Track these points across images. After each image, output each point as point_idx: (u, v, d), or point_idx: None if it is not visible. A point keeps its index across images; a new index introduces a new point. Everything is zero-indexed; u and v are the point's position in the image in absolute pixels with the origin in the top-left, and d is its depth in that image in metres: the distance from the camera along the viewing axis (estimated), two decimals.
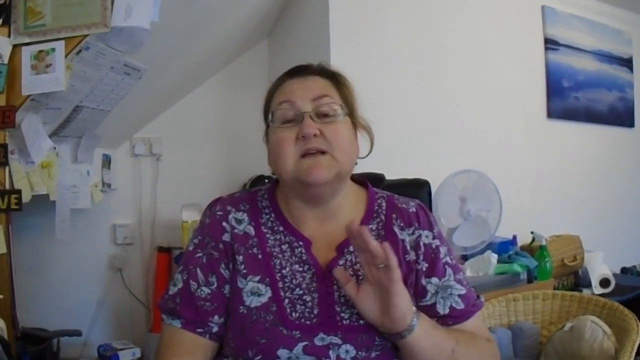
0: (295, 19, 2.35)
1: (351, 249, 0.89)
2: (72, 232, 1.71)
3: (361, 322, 0.83)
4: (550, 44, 2.78)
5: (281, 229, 0.91)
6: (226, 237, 0.90)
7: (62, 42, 1.32)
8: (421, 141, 2.30)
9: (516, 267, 2.00)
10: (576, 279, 2.46)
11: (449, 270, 0.91)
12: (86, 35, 1.33)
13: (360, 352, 0.81)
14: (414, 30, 2.31)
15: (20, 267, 1.53)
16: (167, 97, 2.32)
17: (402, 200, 0.97)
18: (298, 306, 0.84)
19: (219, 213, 0.92)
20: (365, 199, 0.96)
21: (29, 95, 1.36)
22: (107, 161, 2.17)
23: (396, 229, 0.92)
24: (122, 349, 1.97)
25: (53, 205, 1.63)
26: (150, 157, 2.40)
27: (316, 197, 0.89)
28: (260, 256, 0.88)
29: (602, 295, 2.12)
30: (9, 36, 1.36)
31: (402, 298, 0.79)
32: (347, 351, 0.81)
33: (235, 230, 0.90)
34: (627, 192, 3.13)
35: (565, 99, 2.84)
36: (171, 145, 2.41)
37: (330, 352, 0.81)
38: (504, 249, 2.13)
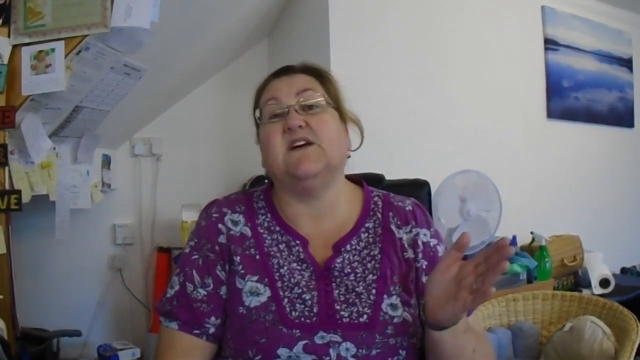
0: (295, 19, 2.35)
1: (348, 247, 0.89)
2: (72, 233, 1.71)
3: (361, 319, 0.83)
4: (550, 44, 2.78)
5: (277, 228, 0.92)
6: (222, 239, 0.90)
7: (62, 42, 1.33)
8: (421, 141, 2.29)
9: (516, 267, 2.00)
10: (576, 279, 2.47)
11: None
12: (86, 36, 1.33)
13: (360, 350, 0.81)
14: (414, 30, 2.31)
15: (20, 267, 1.53)
16: (167, 97, 2.32)
17: (398, 199, 0.98)
18: (297, 305, 0.84)
19: (214, 215, 0.93)
20: (361, 198, 0.97)
21: (28, 96, 1.36)
22: (107, 161, 2.17)
23: (393, 227, 0.93)
24: (122, 349, 1.97)
25: (53, 205, 1.63)
26: (150, 157, 2.39)
27: (308, 190, 0.89)
28: (257, 256, 0.88)
29: (601, 295, 2.12)
30: (8, 36, 1.36)
31: None
32: (347, 349, 0.81)
33: (232, 232, 0.91)
34: (627, 192, 3.13)
35: (565, 99, 2.84)
36: (171, 145, 2.41)
37: (331, 350, 0.81)
38: None
